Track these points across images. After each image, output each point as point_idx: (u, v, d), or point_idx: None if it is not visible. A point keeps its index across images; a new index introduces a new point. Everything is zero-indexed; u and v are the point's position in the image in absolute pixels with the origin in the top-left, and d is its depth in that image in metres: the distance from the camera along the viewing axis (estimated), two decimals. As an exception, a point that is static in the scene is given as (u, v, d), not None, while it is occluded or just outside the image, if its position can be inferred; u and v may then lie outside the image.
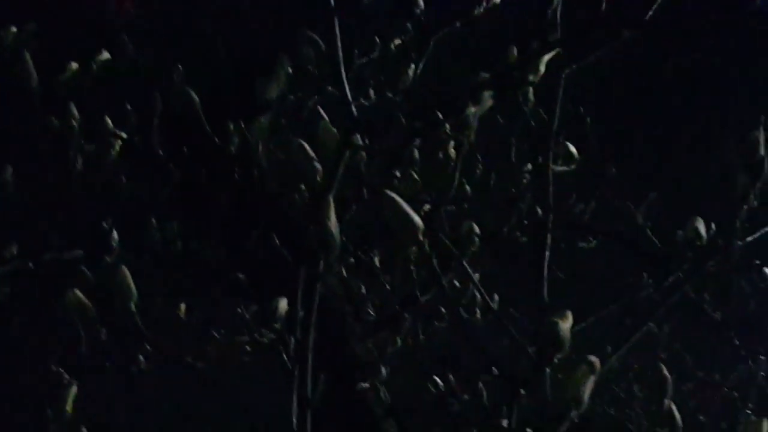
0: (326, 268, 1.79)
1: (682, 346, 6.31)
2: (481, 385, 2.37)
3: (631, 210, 3.67)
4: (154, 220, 2.85)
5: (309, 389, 1.93)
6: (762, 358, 5.79)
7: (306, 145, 1.95)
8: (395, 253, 2.76)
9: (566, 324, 1.71)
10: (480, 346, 2.12)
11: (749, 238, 2.25)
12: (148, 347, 2.85)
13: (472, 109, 1.86)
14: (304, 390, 1.96)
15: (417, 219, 1.66)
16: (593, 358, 1.72)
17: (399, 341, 2.58)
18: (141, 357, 3.05)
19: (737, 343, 5.85)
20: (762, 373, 5.73)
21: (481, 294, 2.00)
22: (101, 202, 2.76)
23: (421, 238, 1.67)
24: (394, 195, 1.65)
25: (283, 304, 2.18)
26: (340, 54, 1.74)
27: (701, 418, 6.81)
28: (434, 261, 1.73)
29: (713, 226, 2.31)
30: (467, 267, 2.02)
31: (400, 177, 2.78)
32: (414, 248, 2.14)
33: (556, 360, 1.74)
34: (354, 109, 1.80)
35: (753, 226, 2.31)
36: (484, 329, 2.21)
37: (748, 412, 6.12)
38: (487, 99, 1.85)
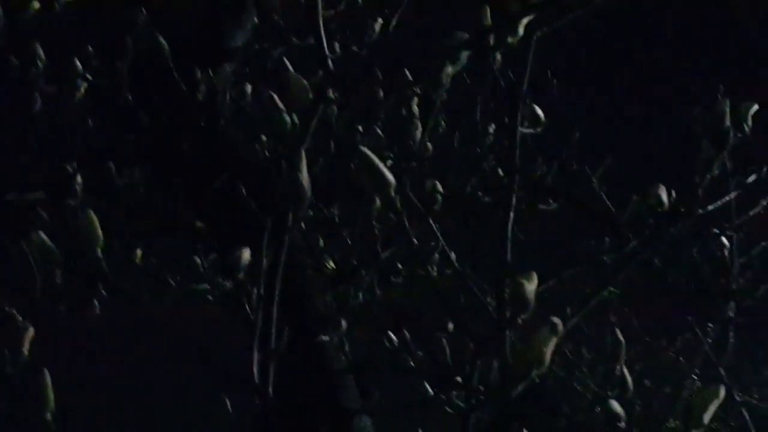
0: (295, 220, 1.79)
1: (631, 310, 6.39)
2: (444, 342, 2.38)
3: (588, 175, 3.70)
4: (115, 166, 2.83)
5: (273, 341, 1.94)
6: (710, 325, 5.86)
7: (276, 97, 1.95)
8: (360, 208, 2.77)
9: (531, 285, 1.72)
10: (442, 305, 2.13)
11: (710, 207, 2.27)
12: (104, 292, 2.85)
13: (449, 69, 1.86)
14: (267, 342, 1.96)
15: (389, 175, 1.66)
16: (556, 320, 1.73)
17: (360, 296, 2.59)
18: (96, 302, 3.03)
19: (685, 310, 5.91)
20: (709, 341, 5.80)
21: (445, 252, 2.01)
22: (65, 145, 2.74)
23: (392, 194, 1.67)
24: (367, 150, 1.65)
25: (246, 254, 2.18)
26: (320, 4, 1.72)
27: (647, 382, 6.91)
28: (405, 218, 1.73)
29: (673, 193, 2.33)
30: (433, 224, 2.03)
31: (363, 132, 2.78)
32: (378, 204, 2.15)
33: (520, 320, 1.76)
34: (331, 62, 1.79)
35: (714, 195, 2.34)
36: (445, 288, 2.23)
37: (694, 377, 6.20)
38: (464, 59, 1.85)
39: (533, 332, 1.74)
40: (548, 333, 1.72)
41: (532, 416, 1.85)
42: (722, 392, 1.70)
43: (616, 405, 1.78)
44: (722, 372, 5.68)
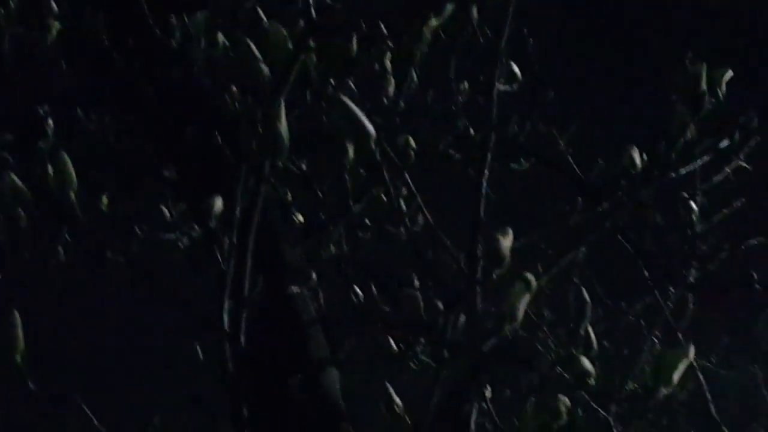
0: (272, 170, 1.79)
1: (593, 272, 6.44)
2: (417, 296, 2.39)
3: (555, 136, 3.71)
4: (87, 110, 2.81)
5: (246, 289, 1.94)
6: (672, 290, 5.90)
7: (252, 45, 1.94)
8: (333, 159, 2.76)
9: (507, 241, 1.74)
10: (413, 259, 2.14)
11: (683, 170, 2.29)
12: (68, 238, 2.83)
13: (433, 21, 1.86)
14: (239, 290, 1.96)
15: (370, 126, 1.66)
16: (529, 276, 1.75)
17: (332, 248, 2.59)
18: (60, 249, 3.02)
19: (647, 274, 5.95)
20: (670, 305, 5.85)
21: (421, 208, 2.02)
22: (37, 88, 2.71)
23: (372, 146, 1.67)
24: (348, 101, 1.65)
25: (218, 203, 2.18)
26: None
27: (605, 343, 6.97)
28: (384, 171, 1.73)
29: (645, 156, 2.34)
30: (408, 179, 2.03)
31: (336, 86, 2.77)
32: (351, 157, 2.14)
33: (494, 276, 1.77)
34: (313, 11, 1.78)
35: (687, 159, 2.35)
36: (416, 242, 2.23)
37: (654, 340, 6.25)
38: (448, 12, 1.85)
39: (506, 288, 1.76)
40: (521, 289, 1.73)
41: (502, 371, 1.87)
42: (692, 352, 1.72)
43: (586, 362, 1.80)
44: (680, 336, 5.74)
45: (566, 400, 2.21)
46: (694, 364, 6.47)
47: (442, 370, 1.95)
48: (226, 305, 2.04)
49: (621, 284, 6.88)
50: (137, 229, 3.01)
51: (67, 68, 2.74)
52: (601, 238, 2.38)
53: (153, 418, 2.38)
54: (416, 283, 2.56)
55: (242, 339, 1.93)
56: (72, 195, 1.85)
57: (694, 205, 2.89)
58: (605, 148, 2.47)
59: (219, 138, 2.24)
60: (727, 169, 4.31)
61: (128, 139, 2.98)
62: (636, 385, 2.02)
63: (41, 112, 2.56)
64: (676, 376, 1.72)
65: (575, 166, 2.75)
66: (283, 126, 1.69)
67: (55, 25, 2.54)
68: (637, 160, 2.25)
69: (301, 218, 2.88)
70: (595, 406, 5.92)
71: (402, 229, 2.68)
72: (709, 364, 7.72)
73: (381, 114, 2.65)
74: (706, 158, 2.36)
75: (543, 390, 2.10)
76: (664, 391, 1.73)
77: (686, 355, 1.73)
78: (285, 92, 1.75)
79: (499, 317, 1.73)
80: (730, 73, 2.27)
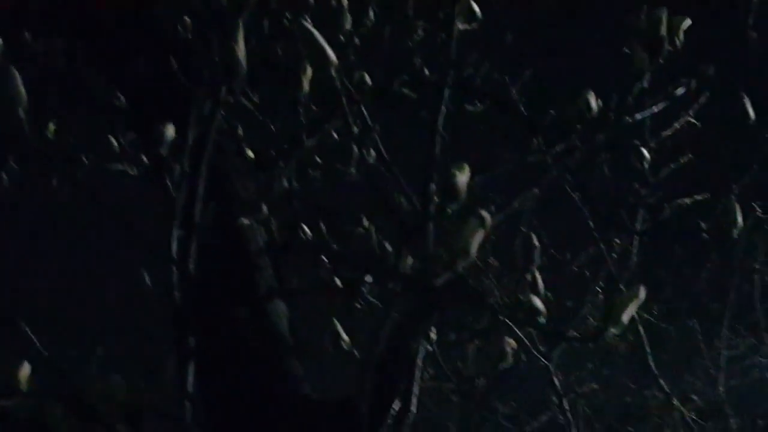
0: (229, 94, 1.76)
1: (539, 221, 6.46)
2: (372, 230, 2.38)
3: (505, 81, 3.69)
4: (34, 31, 2.76)
5: (197, 216, 1.92)
6: (617, 241, 5.95)
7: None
8: (284, 92, 2.73)
9: (464, 176, 1.73)
10: (363, 197, 2.13)
11: (639, 116, 2.29)
12: (14, 165, 2.79)
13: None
14: (189, 218, 1.94)
15: (331, 53, 1.64)
16: (484, 213, 1.74)
17: (283, 181, 2.57)
18: (4, 175, 2.97)
19: (591, 224, 5.99)
20: (614, 255, 5.89)
21: (376, 144, 2.00)
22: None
23: (333, 73, 1.65)
24: (310, 26, 1.62)
25: (170, 129, 2.15)
26: None
27: (548, 294, 7.02)
28: (343, 101, 1.71)
29: (600, 102, 2.33)
30: (365, 112, 2.01)
31: (291, 20, 2.74)
32: (305, 90, 2.12)
33: (449, 210, 1.76)
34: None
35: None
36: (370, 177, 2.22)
37: (598, 290, 6.31)
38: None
39: (460, 224, 1.75)
40: (475, 225, 1.73)
41: (453, 307, 1.87)
42: (642, 294, 1.73)
43: (537, 300, 1.80)
44: (622, 288, 5.79)
45: (512, 341, 2.22)
46: (635, 316, 6.54)
47: (391, 306, 1.94)
48: (175, 233, 2.02)
49: (567, 234, 6.93)
50: (84, 159, 2.97)
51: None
52: (555, 180, 2.38)
53: (96, 347, 2.36)
54: (365, 221, 2.54)
55: (190, 267, 1.91)
56: (21, 112, 1.81)
57: (646, 153, 2.90)
58: (562, 92, 2.46)
59: (174, 64, 2.20)
60: (676, 124, 4.34)
61: (78, 65, 2.93)
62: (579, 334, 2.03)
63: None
64: (625, 318, 1.73)
65: (531, 109, 2.74)
66: (241, 50, 1.66)
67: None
68: (593, 104, 2.25)
69: (251, 154, 2.85)
70: (536, 354, 5.97)
71: (351, 168, 2.67)
72: (649, 316, 7.83)
73: (337, 49, 2.63)
74: (663, 105, 2.36)
75: (492, 331, 2.11)
76: (613, 331, 1.74)
77: (637, 297, 1.74)
78: (244, 15, 1.72)
79: (451, 253, 1.73)
80: (688, 22, 2.27)
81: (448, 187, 1.70)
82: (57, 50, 2.89)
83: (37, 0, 2.87)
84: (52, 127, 2.76)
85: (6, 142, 2.35)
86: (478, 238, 1.72)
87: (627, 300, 1.73)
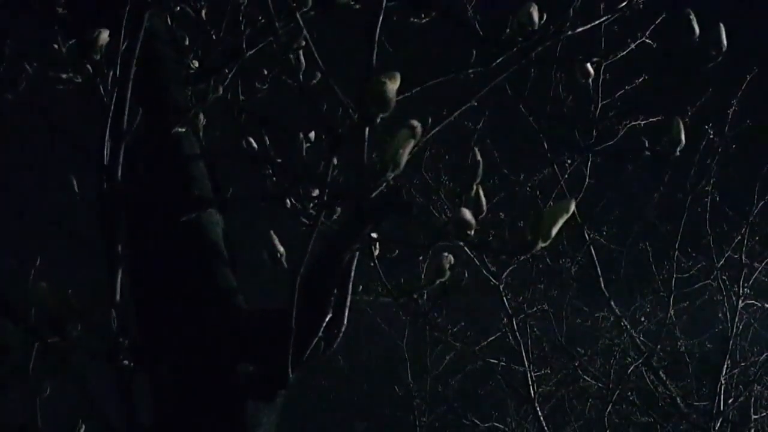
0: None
1: (495, 143, 6.48)
2: (301, 137, 2.35)
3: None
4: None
5: (125, 123, 1.89)
6: (568, 162, 5.97)
7: None
8: (227, 2, 2.69)
9: (393, 85, 1.70)
10: (303, 106, 2.10)
11: (579, 29, 2.27)
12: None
13: None
14: (119, 124, 1.91)
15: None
16: (415, 122, 1.72)
17: (221, 90, 2.53)
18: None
19: (546, 145, 6.00)
20: (566, 176, 5.92)
21: (311, 54, 1.97)
22: None
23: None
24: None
25: (104, 35, 2.11)
26: None
27: (501, 214, 7.04)
28: (271, 7, 1.68)
29: (545, 15, 2.30)
30: (300, 20, 1.98)
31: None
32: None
33: (378, 119, 1.74)
34: None
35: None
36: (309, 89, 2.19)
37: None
38: None
39: (392, 134, 1.73)
40: (406, 135, 1.71)
41: (386, 218, 1.84)
42: (572, 207, 1.72)
43: (467, 212, 1.78)
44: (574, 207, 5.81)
45: (450, 257, 2.21)
46: (586, 237, 6.57)
47: (321, 215, 1.92)
48: (107, 139, 1.99)
49: (521, 155, 6.93)
50: (27, 66, 2.91)
51: None
52: (500, 103, 2.36)
53: (34, 256, 2.34)
54: (311, 134, 2.52)
55: (119, 173, 1.88)
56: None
57: (590, 69, 2.87)
58: (506, 5, 2.43)
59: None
60: (632, 45, 4.32)
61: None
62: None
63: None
64: (554, 231, 1.71)
65: (477, 23, 2.71)
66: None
67: None
68: (535, 17, 2.22)
69: (196, 63, 2.81)
70: (486, 274, 5.97)
71: (294, 77, 2.63)
72: (601, 239, 7.87)
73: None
74: (604, 19, 2.34)
75: (428, 246, 2.09)
76: (542, 244, 1.72)
77: (566, 210, 1.73)
78: None
79: (382, 163, 1.71)
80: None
81: (377, 96, 1.68)
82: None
83: None
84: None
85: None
86: (408, 148, 1.70)
87: (556, 213, 1.71)
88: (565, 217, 1.70)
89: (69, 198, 2.08)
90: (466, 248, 1.91)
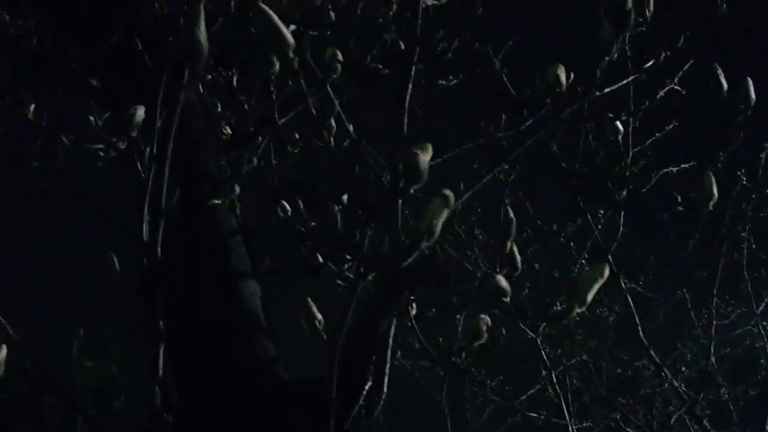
0: (192, 77, 1.75)
1: (526, 194, 6.47)
2: (336, 211, 2.38)
3: (489, 53, 3.69)
4: (9, 13, 2.75)
5: (163, 200, 1.92)
6: (602, 212, 5.96)
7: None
8: (257, 71, 2.73)
9: (426, 156, 1.72)
10: (337, 175, 2.12)
11: (607, 89, 2.28)
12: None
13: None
14: (158, 201, 1.94)
15: (289, 36, 1.63)
16: (447, 192, 1.74)
17: (255, 161, 2.57)
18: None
19: (579, 197, 6.00)
20: (600, 227, 5.91)
21: (342, 122, 1.99)
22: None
23: (291, 55, 1.64)
24: (267, 9, 1.62)
25: (140, 112, 2.14)
26: None
27: (536, 265, 7.03)
28: (302, 81, 1.70)
29: (572, 75, 2.33)
30: (330, 91, 2.00)
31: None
32: (277, 68, 2.12)
33: (412, 191, 1.76)
34: None
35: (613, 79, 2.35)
36: (341, 158, 2.21)
37: (584, 261, 6.31)
38: None
39: (426, 203, 1.75)
40: (440, 205, 1.72)
41: (420, 287, 1.86)
42: (606, 271, 1.72)
43: (502, 280, 1.80)
44: (610, 259, 5.80)
45: (487, 319, 2.22)
46: (623, 286, 6.55)
47: (359, 285, 1.94)
48: (146, 216, 2.02)
49: (554, 206, 6.93)
50: (63, 138, 2.96)
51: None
52: (532, 157, 2.38)
53: (76, 330, 2.37)
54: (344, 199, 2.54)
55: (159, 249, 1.90)
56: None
57: (620, 127, 2.89)
58: (532, 66, 2.46)
59: (140, 45, 2.20)
60: (660, 92, 4.34)
61: (53, 44, 2.92)
62: (557, 308, 2.03)
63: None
64: (589, 296, 1.72)
65: (505, 83, 2.74)
66: (202, 32, 1.65)
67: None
68: (562, 78, 2.24)
69: (229, 130, 2.85)
70: (523, 327, 5.96)
71: (328, 142, 2.66)
72: (637, 287, 7.83)
73: (310, 26, 2.62)
74: (631, 78, 2.36)
75: (463, 310, 2.10)
76: (577, 310, 1.73)
77: (601, 274, 1.73)
78: (205, -1, 1.71)
79: (416, 233, 1.72)
80: (657, -7, 2.27)
81: (410, 168, 1.70)
82: (31, 31, 2.89)
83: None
84: (32, 107, 2.76)
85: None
86: (442, 217, 1.72)
87: (591, 278, 1.72)
88: (601, 281, 1.71)
89: (109, 273, 2.11)
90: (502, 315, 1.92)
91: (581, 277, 1.73)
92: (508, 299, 1.77)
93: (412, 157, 1.69)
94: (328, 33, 2.79)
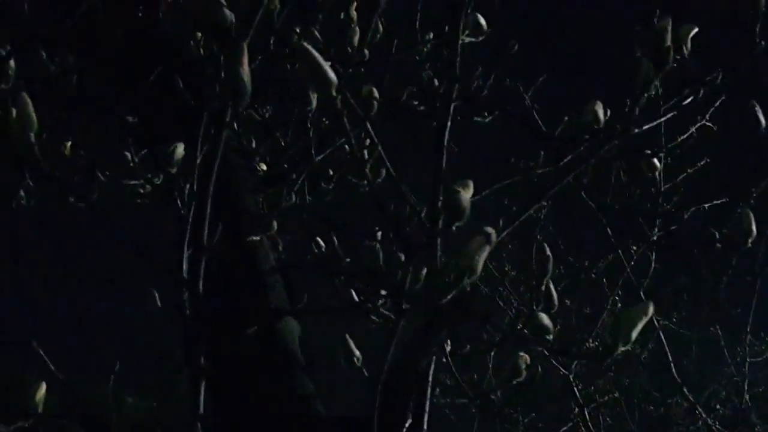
0: (234, 115, 1.77)
1: (557, 229, 6.47)
2: (377, 247, 2.38)
3: (520, 90, 3.70)
4: (49, 52, 2.78)
5: (205, 237, 1.92)
6: (634, 249, 5.94)
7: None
8: (293, 108, 2.74)
9: (467, 193, 1.72)
10: (374, 211, 2.13)
11: (646, 126, 2.28)
12: (30, 183, 2.80)
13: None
14: (199, 238, 1.95)
15: (331, 74, 1.64)
16: (489, 229, 1.74)
17: (293, 197, 2.58)
18: (22, 192, 2.98)
19: (609, 232, 5.99)
20: (632, 263, 5.88)
21: (381, 157, 2.00)
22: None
23: (334, 93, 1.65)
24: (309, 47, 1.63)
25: (180, 149, 2.16)
26: None
27: (567, 302, 7.02)
28: (344, 119, 1.71)
29: (609, 112, 2.33)
30: (371, 129, 2.01)
31: (300, 34, 2.75)
32: (314, 105, 2.13)
33: (454, 228, 1.76)
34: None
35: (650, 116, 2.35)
36: (377, 194, 2.22)
37: (616, 298, 6.29)
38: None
39: (466, 241, 1.75)
40: (481, 242, 1.72)
41: (463, 324, 1.86)
42: (651, 310, 1.72)
43: (544, 317, 1.80)
44: (642, 296, 5.78)
45: (526, 357, 2.21)
46: (655, 323, 6.53)
47: (400, 322, 1.94)
48: (186, 252, 2.02)
49: (585, 242, 6.91)
50: (100, 175, 2.98)
51: (30, 9, 2.70)
52: (563, 193, 2.38)
53: (114, 366, 2.37)
54: (378, 235, 2.55)
55: (200, 286, 1.91)
56: (32, 137, 1.82)
57: (657, 163, 2.89)
58: (569, 103, 2.46)
59: (180, 83, 2.21)
60: (692, 129, 4.32)
61: (91, 82, 2.95)
62: (596, 343, 2.02)
63: (3, 52, 2.52)
64: (634, 334, 1.72)
65: (539, 120, 2.74)
66: (245, 71, 1.66)
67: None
68: (600, 115, 2.24)
69: (264, 167, 2.86)
70: (555, 364, 5.95)
71: (364, 181, 2.67)
72: (670, 324, 7.79)
73: (345, 63, 2.64)
74: (670, 115, 2.36)
75: (504, 344, 2.10)
76: (621, 348, 1.73)
77: (645, 312, 1.73)
78: (248, 37, 1.72)
79: (458, 270, 1.72)
80: (695, 29, 2.27)
81: (452, 205, 1.70)
82: (70, 69, 2.91)
83: (50, 20, 2.89)
84: (68, 144, 2.78)
85: (24, 161, 2.37)
86: (483, 254, 1.72)
87: (636, 316, 1.72)
88: (645, 319, 1.71)
89: (150, 310, 2.11)
90: (545, 352, 1.92)
91: (625, 314, 1.73)
92: (550, 336, 1.77)
93: (454, 194, 1.70)
94: (362, 70, 2.81)
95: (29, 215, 2.86)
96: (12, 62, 2.39)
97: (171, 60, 2.66)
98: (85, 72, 2.86)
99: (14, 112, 1.86)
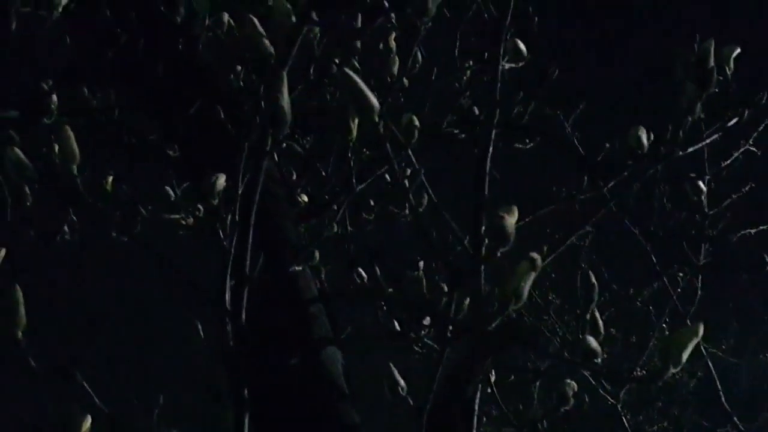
0: (274, 145, 1.76)
1: (600, 257, 6.42)
2: (421, 275, 2.37)
3: (560, 117, 3.68)
4: (90, 86, 2.80)
5: (247, 268, 1.92)
6: (680, 275, 5.88)
7: (256, 21, 1.91)
8: (335, 137, 2.74)
9: (512, 219, 1.71)
10: (418, 239, 2.12)
11: (690, 149, 2.26)
12: (74, 218, 2.81)
13: (437, -5, 1.83)
14: (242, 268, 1.94)
15: (374, 100, 1.63)
16: (534, 255, 1.72)
17: (335, 227, 2.57)
18: (66, 228, 2.99)
19: (654, 259, 5.94)
20: (679, 290, 5.82)
21: (424, 185, 1.99)
22: (41, 63, 2.69)
23: (376, 118, 1.65)
24: (352, 73, 1.62)
25: (221, 180, 2.16)
26: None
27: (612, 330, 6.95)
28: (387, 145, 1.70)
29: (652, 135, 2.31)
30: (412, 157, 2.00)
31: (339, 63, 2.75)
32: (353, 135, 2.12)
33: (499, 254, 1.74)
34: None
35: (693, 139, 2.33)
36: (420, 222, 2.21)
37: (664, 326, 6.22)
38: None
39: (511, 267, 1.73)
40: (527, 268, 1.71)
41: (507, 353, 1.84)
42: (701, 330, 1.69)
43: (593, 341, 1.77)
44: (689, 323, 5.72)
45: (574, 384, 2.18)
46: (703, 351, 6.46)
47: (446, 351, 1.92)
48: (228, 283, 2.02)
49: (629, 269, 6.86)
50: (141, 209, 2.99)
51: (72, 43, 2.72)
52: (607, 218, 2.35)
53: (158, 398, 2.37)
54: (420, 264, 2.53)
55: (243, 317, 1.90)
56: (74, 169, 1.82)
57: (702, 186, 2.86)
58: (612, 127, 2.44)
59: (221, 113, 2.22)
60: (736, 153, 4.29)
61: (132, 116, 2.96)
62: (644, 371, 1.99)
63: (45, 87, 2.53)
64: (684, 356, 1.69)
65: (580, 146, 2.72)
66: (285, 100, 1.66)
67: (61, 2, 2.52)
68: (644, 140, 2.22)
69: (305, 198, 2.86)
70: (603, 393, 5.87)
71: (406, 210, 2.66)
72: (718, 351, 7.71)
73: (385, 92, 2.63)
74: (714, 137, 2.33)
75: (549, 373, 2.08)
76: (672, 370, 1.70)
77: (696, 334, 1.70)
78: (287, 66, 1.72)
79: (503, 296, 1.70)
80: (738, 51, 2.25)
81: (497, 230, 1.69)
82: (112, 104, 2.93)
83: (93, 53, 2.91)
84: (110, 179, 2.79)
85: (66, 196, 2.38)
86: (529, 281, 1.70)
87: (686, 338, 1.69)
88: (695, 341, 1.68)
89: (193, 340, 2.11)
90: (593, 378, 1.89)
91: (675, 336, 1.70)
92: (599, 360, 1.74)
93: (499, 219, 1.68)
94: (402, 98, 2.81)
95: (73, 250, 2.87)
96: (54, 97, 2.40)
97: (210, 92, 2.67)
98: (126, 106, 2.88)
99: (57, 146, 1.87)
